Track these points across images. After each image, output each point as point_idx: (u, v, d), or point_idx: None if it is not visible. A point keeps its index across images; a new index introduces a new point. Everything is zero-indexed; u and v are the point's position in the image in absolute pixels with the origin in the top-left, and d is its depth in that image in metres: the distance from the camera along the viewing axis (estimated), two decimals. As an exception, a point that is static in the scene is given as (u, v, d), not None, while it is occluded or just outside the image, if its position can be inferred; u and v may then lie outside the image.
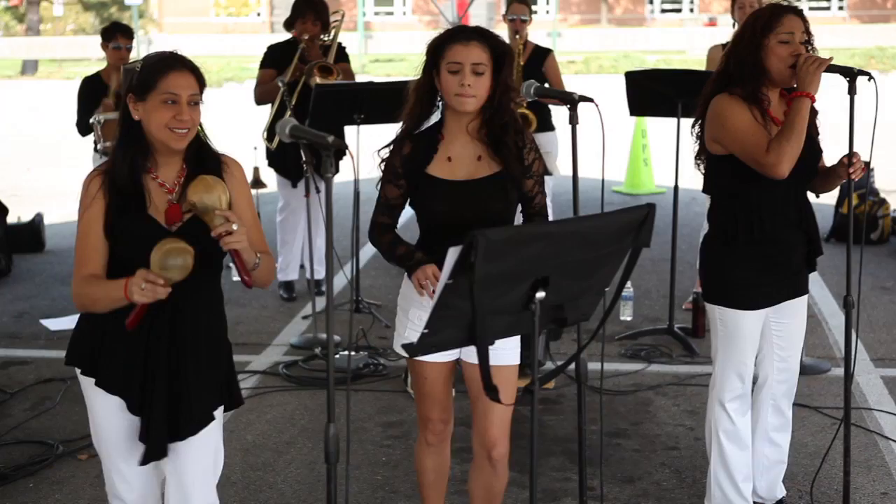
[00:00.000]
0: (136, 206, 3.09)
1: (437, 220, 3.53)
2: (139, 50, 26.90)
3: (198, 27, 41.27)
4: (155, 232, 3.07)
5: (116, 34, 7.21)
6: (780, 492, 4.26)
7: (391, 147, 3.58)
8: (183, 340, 3.16)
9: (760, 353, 4.09)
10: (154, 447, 3.17)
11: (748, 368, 4.03)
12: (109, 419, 3.23)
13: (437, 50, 3.48)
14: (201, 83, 3.14)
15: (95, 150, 7.02)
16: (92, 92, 7.23)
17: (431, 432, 3.78)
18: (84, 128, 7.20)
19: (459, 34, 3.48)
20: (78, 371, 3.24)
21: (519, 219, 3.74)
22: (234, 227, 2.98)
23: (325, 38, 7.20)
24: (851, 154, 3.88)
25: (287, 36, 7.32)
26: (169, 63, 3.09)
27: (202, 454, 3.27)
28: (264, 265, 3.15)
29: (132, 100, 3.09)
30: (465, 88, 3.41)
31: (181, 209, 3.10)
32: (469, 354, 3.57)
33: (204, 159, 3.18)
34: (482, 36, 3.47)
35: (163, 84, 3.05)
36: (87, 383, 3.22)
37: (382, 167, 3.59)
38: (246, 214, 3.18)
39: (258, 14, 44.33)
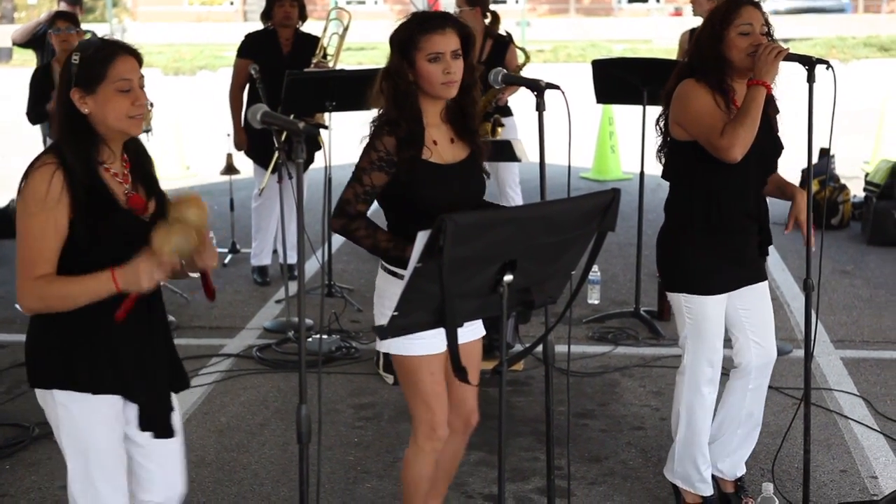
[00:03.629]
0: (108, 202, 2.99)
1: (432, 204, 3.42)
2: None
3: (171, 16, 40.89)
4: (135, 224, 3.02)
5: (57, 20, 7.15)
6: (741, 470, 4.35)
7: (382, 131, 3.47)
8: (154, 323, 3.16)
9: (738, 342, 4.15)
10: (164, 427, 3.18)
11: (718, 354, 4.09)
12: (104, 429, 3.09)
13: (409, 41, 3.42)
14: (141, 65, 3.06)
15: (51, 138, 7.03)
16: (41, 81, 7.20)
17: (439, 439, 3.59)
18: (35, 116, 7.19)
19: (432, 23, 3.43)
20: (54, 392, 3.06)
21: None
22: (214, 244, 3.00)
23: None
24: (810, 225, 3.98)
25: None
26: (113, 50, 3.00)
27: (177, 433, 3.27)
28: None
29: (78, 93, 2.96)
30: (452, 75, 3.41)
31: (142, 197, 3.07)
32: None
33: (138, 148, 3.15)
34: (452, 21, 3.47)
35: (113, 72, 2.96)
36: (71, 399, 3.06)
37: (368, 152, 3.47)
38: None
39: (231, 3, 44.03)
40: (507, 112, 7.69)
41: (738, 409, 4.22)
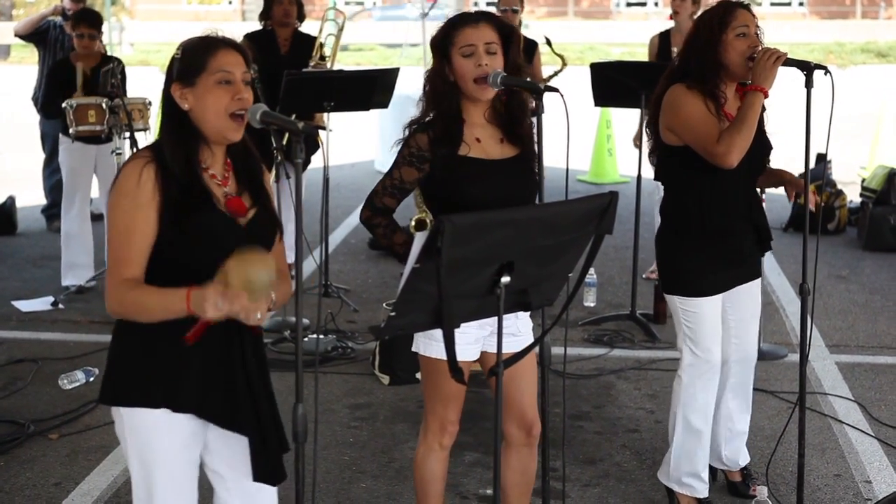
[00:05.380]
0: (204, 202, 2.80)
1: (475, 200, 3.36)
2: (111, 36, 26.59)
3: (170, 14, 40.85)
4: (230, 228, 2.84)
5: (80, 23, 7.20)
6: (744, 459, 4.39)
7: (415, 129, 3.48)
8: (254, 348, 2.97)
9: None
10: (275, 469, 3.00)
11: (715, 355, 4.11)
12: (174, 450, 2.90)
13: (445, 39, 3.44)
14: (248, 63, 2.86)
15: (66, 134, 7.03)
16: (58, 76, 7.21)
17: (449, 435, 3.59)
18: (49, 112, 7.20)
19: (466, 18, 3.45)
20: (138, 410, 2.86)
21: None
22: (269, 311, 2.73)
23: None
24: (807, 189, 4.00)
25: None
26: (214, 42, 2.83)
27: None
28: (279, 293, 2.86)
29: (178, 88, 2.81)
30: (483, 68, 3.37)
31: (244, 202, 2.89)
32: (491, 345, 3.52)
33: (246, 154, 2.96)
34: (488, 17, 3.46)
35: (213, 63, 2.78)
36: (153, 421, 2.85)
37: (401, 148, 3.49)
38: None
39: (230, 2, 44.05)
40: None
41: (723, 403, 4.27)
